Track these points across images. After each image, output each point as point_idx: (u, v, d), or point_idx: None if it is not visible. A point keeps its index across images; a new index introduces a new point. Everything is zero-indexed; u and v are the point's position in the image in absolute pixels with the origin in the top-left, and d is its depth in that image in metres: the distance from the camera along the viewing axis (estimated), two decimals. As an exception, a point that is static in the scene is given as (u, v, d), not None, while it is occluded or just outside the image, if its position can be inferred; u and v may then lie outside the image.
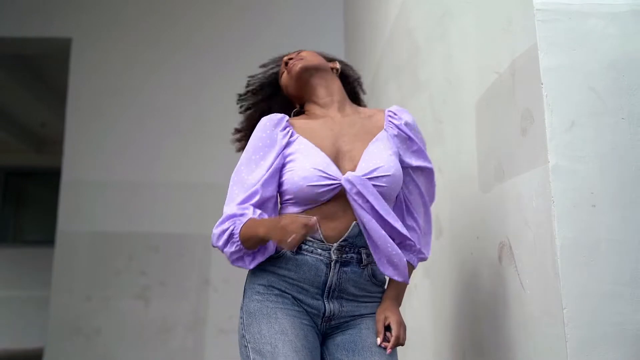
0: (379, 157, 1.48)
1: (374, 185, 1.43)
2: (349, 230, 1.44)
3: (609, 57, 1.36)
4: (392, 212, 1.46)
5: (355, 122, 1.58)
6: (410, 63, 2.46)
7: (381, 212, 1.42)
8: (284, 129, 1.55)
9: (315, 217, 1.28)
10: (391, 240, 1.43)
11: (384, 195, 1.45)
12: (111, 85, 5.17)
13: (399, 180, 1.50)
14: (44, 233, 5.04)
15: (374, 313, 1.49)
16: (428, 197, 1.62)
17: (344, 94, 1.66)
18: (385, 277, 1.53)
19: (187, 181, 5.00)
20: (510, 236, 1.49)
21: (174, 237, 4.92)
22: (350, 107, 1.65)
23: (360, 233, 1.45)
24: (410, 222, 1.57)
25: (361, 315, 1.48)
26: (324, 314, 1.45)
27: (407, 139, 1.58)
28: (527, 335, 1.40)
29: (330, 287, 1.45)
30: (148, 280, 4.85)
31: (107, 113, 5.13)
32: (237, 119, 5.51)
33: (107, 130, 5.09)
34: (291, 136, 1.54)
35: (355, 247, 1.46)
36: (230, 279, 4.83)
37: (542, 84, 1.36)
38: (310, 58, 1.64)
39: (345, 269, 1.45)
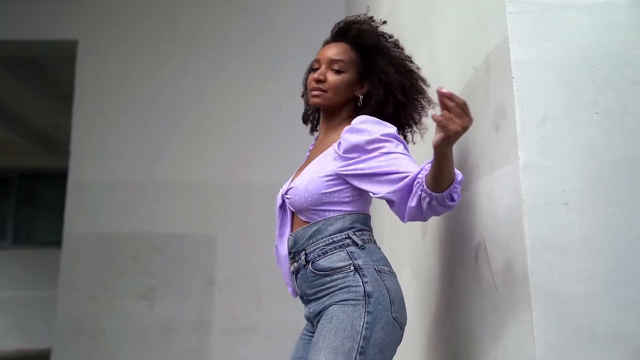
0: (303, 175, 1.57)
1: (287, 198, 1.58)
2: (288, 243, 1.58)
3: (584, 50, 1.32)
4: (284, 230, 1.60)
5: (326, 141, 1.63)
6: (400, 60, 2.42)
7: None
8: (309, 151, 1.77)
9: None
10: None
11: (294, 207, 1.55)
12: (117, 87, 5.20)
13: (303, 192, 1.52)
14: (57, 234, 5.09)
15: (329, 304, 1.44)
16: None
17: (349, 112, 1.63)
18: (332, 264, 1.46)
19: (191, 182, 5.00)
20: (485, 235, 1.45)
21: (177, 237, 4.93)
22: (345, 123, 1.60)
23: (295, 242, 1.55)
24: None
25: (322, 312, 1.47)
26: (306, 318, 1.60)
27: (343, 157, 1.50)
28: (498, 338, 1.36)
29: (299, 295, 1.58)
30: (152, 281, 4.86)
31: (113, 114, 5.15)
32: (241, 121, 5.48)
33: (113, 131, 5.12)
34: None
35: (298, 253, 1.55)
36: (235, 279, 4.84)
37: (513, 78, 1.32)
38: (329, 96, 1.61)
39: (298, 275, 1.55)
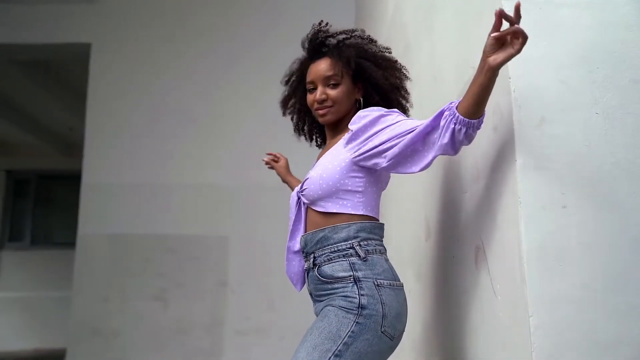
0: (317, 166, 1.62)
1: (302, 193, 1.63)
2: (301, 243, 1.64)
3: (582, 48, 1.29)
4: (297, 226, 1.66)
5: (334, 141, 1.68)
6: (404, 59, 2.39)
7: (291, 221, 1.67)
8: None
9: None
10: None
11: (308, 197, 1.60)
12: (130, 89, 5.23)
13: (318, 179, 1.57)
14: (74, 235, 5.16)
15: (329, 305, 1.50)
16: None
17: (352, 115, 1.66)
18: (335, 272, 1.51)
19: (204, 183, 5.02)
20: (484, 239, 1.42)
21: (190, 238, 4.95)
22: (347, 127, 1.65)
23: (306, 243, 1.61)
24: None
25: (322, 310, 1.54)
26: (315, 314, 1.63)
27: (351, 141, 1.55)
28: (496, 344, 1.33)
29: (309, 292, 1.65)
30: (165, 282, 4.88)
31: (126, 116, 5.18)
32: (252, 121, 5.47)
33: (126, 133, 5.15)
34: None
35: (309, 254, 1.61)
36: (247, 280, 4.84)
37: (509, 78, 1.29)
38: (336, 110, 1.67)
39: (309, 275, 1.62)
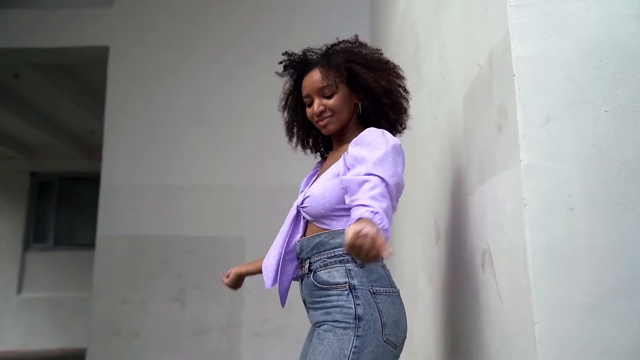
0: (318, 183, 1.59)
1: (302, 208, 1.60)
2: (296, 250, 1.63)
3: (591, 43, 1.23)
4: (290, 231, 1.63)
5: (338, 153, 1.65)
6: (414, 58, 2.35)
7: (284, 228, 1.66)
8: (319, 163, 1.84)
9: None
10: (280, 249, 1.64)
11: (311, 214, 1.57)
12: (147, 91, 5.25)
13: (320, 198, 1.54)
14: (95, 236, 5.24)
15: (323, 322, 1.48)
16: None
17: (356, 126, 1.67)
18: (331, 279, 1.48)
19: (221, 184, 5.02)
20: (490, 243, 1.37)
21: (207, 239, 4.95)
22: (354, 131, 1.64)
23: (302, 249, 1.59)
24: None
25: (317, 324, 1.53)
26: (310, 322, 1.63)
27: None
28: (500, 351, 1.28)
29: (302, 300, 1.64)
30: (183, 283, 4.90)
31: (144, 118, 5.21)
32: (268, 123, 5.47)
33: (144, 135, 5.18)
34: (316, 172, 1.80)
35: (304, 260, 1.60)
36: (264, 282, 4.82)
37: (514, 75, 1.24)
38: (336, 119, 1.64)
39: (303, 282, 1.60)
